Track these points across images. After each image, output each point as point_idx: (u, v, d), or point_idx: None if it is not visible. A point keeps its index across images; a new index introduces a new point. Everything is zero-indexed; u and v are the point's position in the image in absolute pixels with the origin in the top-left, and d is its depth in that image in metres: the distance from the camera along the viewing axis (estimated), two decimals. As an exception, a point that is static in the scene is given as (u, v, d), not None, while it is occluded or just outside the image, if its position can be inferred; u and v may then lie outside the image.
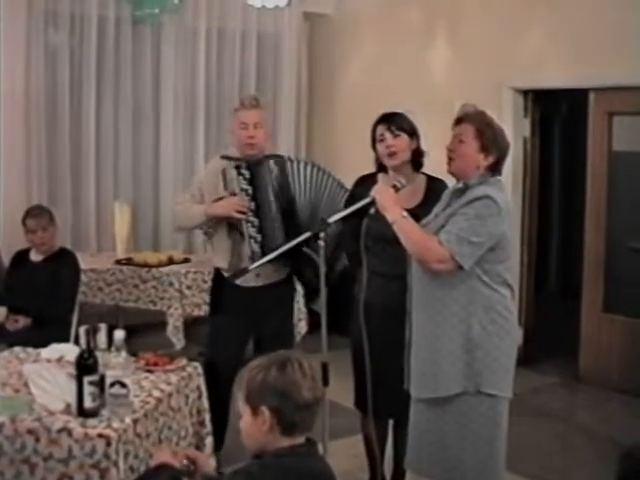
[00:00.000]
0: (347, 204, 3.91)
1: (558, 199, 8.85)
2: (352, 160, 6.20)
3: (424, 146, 4.26)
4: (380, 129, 4.19)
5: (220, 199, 4.53)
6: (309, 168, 4.54)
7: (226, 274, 4.61)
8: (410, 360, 3.73)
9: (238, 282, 4.44)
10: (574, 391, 6.65)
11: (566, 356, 7.00)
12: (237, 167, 4.48)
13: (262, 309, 4.68)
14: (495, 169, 3.63)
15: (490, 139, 3.59)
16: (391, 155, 4.14)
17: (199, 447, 4.07)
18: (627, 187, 6.53)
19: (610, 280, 6.63)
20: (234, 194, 4.48)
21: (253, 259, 4.32)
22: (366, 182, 4.20)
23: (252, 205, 4.47)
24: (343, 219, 3.70)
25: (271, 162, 4.51)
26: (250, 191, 4.47)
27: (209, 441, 4.11)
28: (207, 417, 4.12)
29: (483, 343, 3.54)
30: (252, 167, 4.49)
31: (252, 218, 4.47)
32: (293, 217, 4.48)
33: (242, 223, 4.47)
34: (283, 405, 2.35)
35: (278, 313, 4.77)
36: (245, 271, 3.95)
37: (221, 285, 4.73)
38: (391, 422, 4.41)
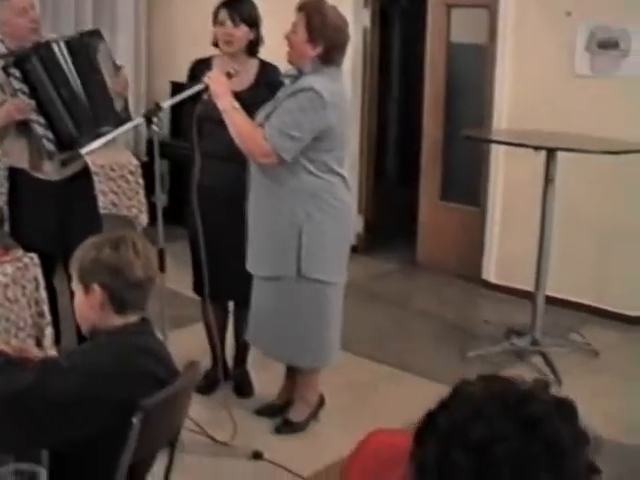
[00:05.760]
0: (185, 87, 3.88)
1: (398, 90, 8.95)
2: (191, 39, 6.14)
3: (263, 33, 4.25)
4: (222, 14, 4.13)
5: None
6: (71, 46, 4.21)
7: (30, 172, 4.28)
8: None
9: (42, 176, 4.26)
10: (412, 277, 6.84)
11: (405, 244, 7.14)
12: (4, 68, 4.08)
13: (69, 202, 4.43)
14: (327, 59, 3.67)
15: (317, 29, 3.64)
16: (227, 42, 4.12)
17: (39, 338, 4.03)
18: (464, 78, 6.69)
19: (447, 169, 6.83)
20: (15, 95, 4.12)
21: (50, 157, 4.14)
22: (202, 66, 4.18)
23: (33, 103, 4.11)
24: (179, 104, 3.69)
25: (36, 54, 4.10)
26: (26, 89, 4.11)
27: (49, 332, 4.05)
28: (46, 308, 4.05)
29: (308, 229, 3.70)
30: (20, 64, 4.07)
31: (36, 117, 4.13)
32: (76, 102, 4.21)
33: (31, 124, 4.14)
34: (115, 282, 2.35)
35: (84, 204, 4.56)
36: (78, 155, 3.87)
37: (22, 181, 4.33)
38: (232, 305, 4.49)
